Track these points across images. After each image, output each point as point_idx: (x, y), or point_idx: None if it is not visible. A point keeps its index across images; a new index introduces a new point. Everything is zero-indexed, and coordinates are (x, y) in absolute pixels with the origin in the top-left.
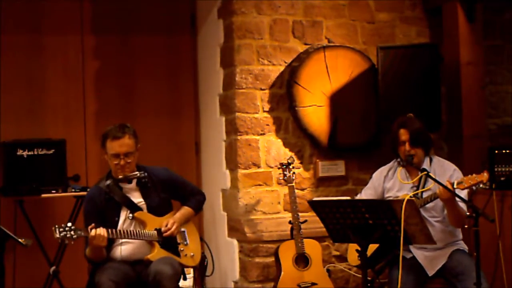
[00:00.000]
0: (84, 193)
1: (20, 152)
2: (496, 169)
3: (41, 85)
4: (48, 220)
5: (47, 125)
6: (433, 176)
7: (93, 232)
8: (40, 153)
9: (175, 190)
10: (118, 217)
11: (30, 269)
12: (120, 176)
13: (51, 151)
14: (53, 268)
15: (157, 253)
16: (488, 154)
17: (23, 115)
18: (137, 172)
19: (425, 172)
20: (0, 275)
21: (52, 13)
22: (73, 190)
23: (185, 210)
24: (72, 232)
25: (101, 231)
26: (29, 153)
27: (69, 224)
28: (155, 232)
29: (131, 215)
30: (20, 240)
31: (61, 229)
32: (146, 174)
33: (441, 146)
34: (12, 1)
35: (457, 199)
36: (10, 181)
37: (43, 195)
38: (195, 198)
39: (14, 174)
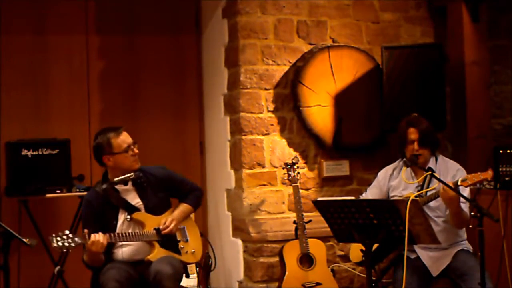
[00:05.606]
0: None
1: (24, 152)
2: (500, 169)
3: (45, 85)
4: (52, 220)
5: (52, 125)
6: (438, 176)
7: (92, 238)
8: (44, 153)
9: (173, 188)
10: (116, 220)
11: (35, 269)
12: (119, 178)
13: (56, 151)
14: (57, 268)
15: (157, 253)
16: (493, 154)
17: (27, 115)
18: (132, 174)
19: (430, 172)
20: (5, 275)
21: (56, 13)
22: (77, 190)
23: (183, 207)
24: (69, 240)
25: (100, 237)
26: (34, 153)
27: (67, 232)
28: (154, 232)
29: (129, 216)
30: (24, 240)
31: (58, 238)
32: (141, 174)
33: (445, 146)
34: (16, 1)
35: (461, 200)
36: (15, 181)
37: (48, 195)
38: (193, 194)
39: (19, 174)
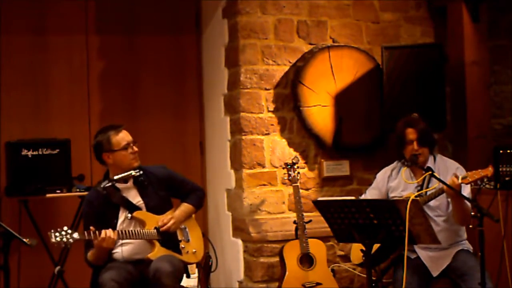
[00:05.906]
0: None
1: (24, 152)
2: (500, 169)
3: (45, 85)
4: (53, 220)
5: (52, 125)
6: (437, 175)
7: (103, 234)
8: (44, 153)
9: (174, 188)
10: (117, 218)
11: (35, 269)
12: (119, 176)
13: (56, 151)
14: (57, 268)
15: (158, 252)
16: (493, 154)
17: (27, 115)
18: (131, 171)
19: (430, 172)
20: (5, 275)
21: (56, 13)
22: (77, 190)
23: (185, 207)
24: (68, 236)
25: (110, 233)
26: (34, 153)
27: (65, 228)
28: (155, 230)
29: (129, 215)
30: (25, 240)
31: (56, 234)
32: (141, 172)
33: (445, 146)
34: (16, 1)
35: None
36: (15, 181)
37: (48, 195)
38: (194, 194)
39: (19, 174)
